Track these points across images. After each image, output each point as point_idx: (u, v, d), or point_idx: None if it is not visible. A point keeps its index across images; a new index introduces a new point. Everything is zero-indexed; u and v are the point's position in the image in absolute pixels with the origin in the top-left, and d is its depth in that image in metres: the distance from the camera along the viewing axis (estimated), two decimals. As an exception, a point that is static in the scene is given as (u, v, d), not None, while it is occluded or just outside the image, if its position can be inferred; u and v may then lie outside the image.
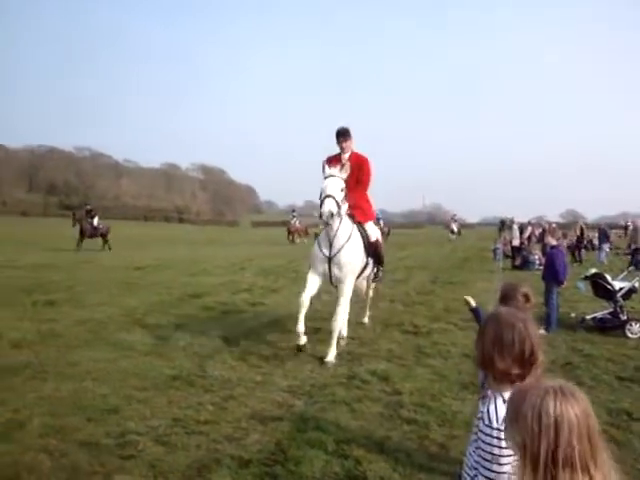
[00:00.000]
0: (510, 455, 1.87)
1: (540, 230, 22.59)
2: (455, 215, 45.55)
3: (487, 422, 1.93)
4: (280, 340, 7.55)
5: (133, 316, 9.00)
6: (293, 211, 39.78)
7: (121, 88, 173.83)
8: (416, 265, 19.23)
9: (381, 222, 40.51)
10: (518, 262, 19.48)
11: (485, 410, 1.97)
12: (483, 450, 1.93)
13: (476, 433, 2.01)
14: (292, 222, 38.12)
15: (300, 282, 13.67)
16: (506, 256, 21.71)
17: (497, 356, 1.96)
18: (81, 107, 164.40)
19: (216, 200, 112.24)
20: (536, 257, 18.99)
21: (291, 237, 37.14)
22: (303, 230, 38.34)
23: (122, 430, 4.36)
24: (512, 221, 24.15)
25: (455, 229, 41.79)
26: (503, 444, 1.85)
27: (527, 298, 3.42)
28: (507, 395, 1.95)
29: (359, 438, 4.26)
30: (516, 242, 21.77)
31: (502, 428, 1.85)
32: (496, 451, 1.89)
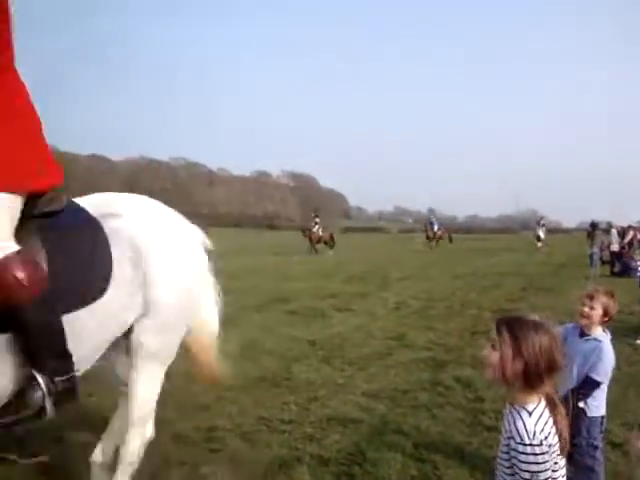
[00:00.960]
0: (548, 470, 1.85)
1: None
2: (542, 219, 37.68)
3: (519, 440, 1.88)
4: (365, 345, 7.63)
5: (222, 319, 9.34)
6: (315, 216, 31.33)
7: (212, 98, 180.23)
8: (507, 271, 18.70)
9: (435, 226, 38.42)
10: (617, 269, 18.47)
11: (513, 428, 1.91)
12: (520, 469, 1.88)
13: (507, 452, 1.95)
14: (314, 229, 30.67)
15: (387, 287, 13.71)
16: (604, 262, 20.62)
17: (516, 361, 1.89)
18: (177, 118, 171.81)
19: (306, 206, 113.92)
20: (638, 263, 17.96)
21: (312, 246, 29.97)
22: (328, 237, 30.99)
23: (210, 426, 4.62)
24: (610, 225, 22.96)
25: (542, 235, 35.03)
26: (540, 459, 1.82)
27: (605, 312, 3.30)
28: (531, 407, 1.91)
29: (438, 443, 4.27)
30: (615, 247, 20.64)
31: (535, 442, 1.83)
32: (534, 467, 1.85)
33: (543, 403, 1.94)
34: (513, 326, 1.95)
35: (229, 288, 13.31)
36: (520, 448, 1.87)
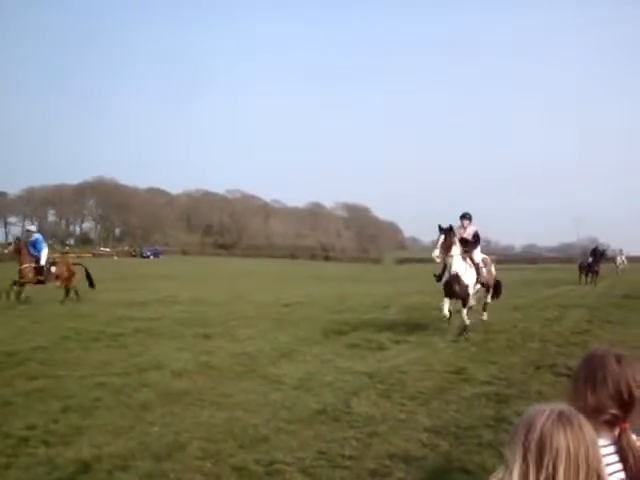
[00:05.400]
0: None
1: None
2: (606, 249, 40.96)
3: None
4: (424, 379, 7.48)
5: (282, 350, 9.39)
6: None
7: (267, 132, 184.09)
8: (569, 303, 18.09)
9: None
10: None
11: None
12: None
13: None
14: None
15: (445, 320, 13.46)
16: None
17: (589, 394, 1.79)
18: (233, 152, 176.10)
19: (360, 237, 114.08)
20: None
21: None
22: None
23: (271, 459, 4.59)
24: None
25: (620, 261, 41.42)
26: None
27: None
28: (602, 442, 1.75)
29: (506, 483, 4.10)
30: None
31: None
32: None
33: (614, 440, 1.84)
34: (582, 359, 1.92)
35: (287, 319, 13.45)
36: None
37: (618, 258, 41.99)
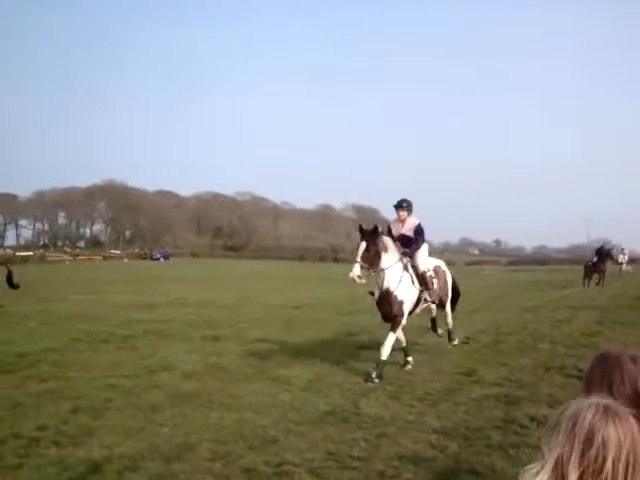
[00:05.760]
0: None
1: None
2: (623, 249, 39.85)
3: None
4: (433, 380, 7.47)
5: (291, 352, 9.40)
6: None
7: (275, 134, 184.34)
8: (579, 305, 17.97)
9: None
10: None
11: None
12: None
13: None
14: None
15: (457, 323, 13.44)
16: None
17: (606, 394, 1.78)
18: (242, 154, 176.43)
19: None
20: None
21: None
22: None
23: (280, 460, 4.60)
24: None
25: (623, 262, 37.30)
26: None
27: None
28: None
29: (516, 485, 4.09)
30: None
31: None
32: None
33: None
34: (594, 358, 1.94)
35: (297, 321, 13.48)
36: None
37: (620, 257, 37.96)
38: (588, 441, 1.29)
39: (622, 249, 40.50)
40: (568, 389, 6.97)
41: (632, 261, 45.66)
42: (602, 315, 14.88)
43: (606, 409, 1.34)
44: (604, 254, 27.78)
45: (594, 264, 27.49)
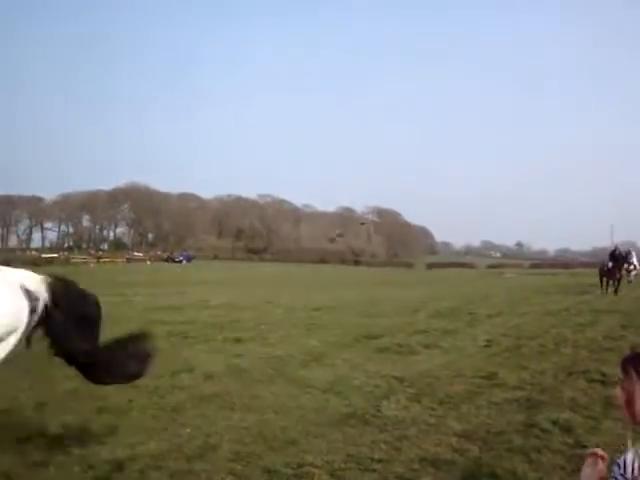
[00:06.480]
0: None
1: None
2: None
3: (621, 471, 1.82)
4: (454, 383, 7.43)
5: (312, 354, 9.43)
6: None
7: (297, 137, 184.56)
8: (603, 308, 17.74)
9: None
10: None
11: (622, 458, 1.84)
12: None
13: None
14: None
15: (476, 324, 13.37)
16: None
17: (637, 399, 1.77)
18: (264, 157, 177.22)
19: (391, 242, 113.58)
20: None
21: None
22: None
23: (300, 461, 4.63)
24: None
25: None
26: None
27: None
28: None
29: (537, 489, 4.08)
30: None
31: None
32: None
33: None
34: (627, 357, 1.89)
35: (317, 323, 13.47)
36: (620, 479, 1.81)
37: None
38: None
39: (629, 251, 31.89)
40: (590, 393, 6.91)
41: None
42: (626, 319, 14.67)
43: None
44: (620, 258, 25.31)
45: (609, 270, 25.08)
